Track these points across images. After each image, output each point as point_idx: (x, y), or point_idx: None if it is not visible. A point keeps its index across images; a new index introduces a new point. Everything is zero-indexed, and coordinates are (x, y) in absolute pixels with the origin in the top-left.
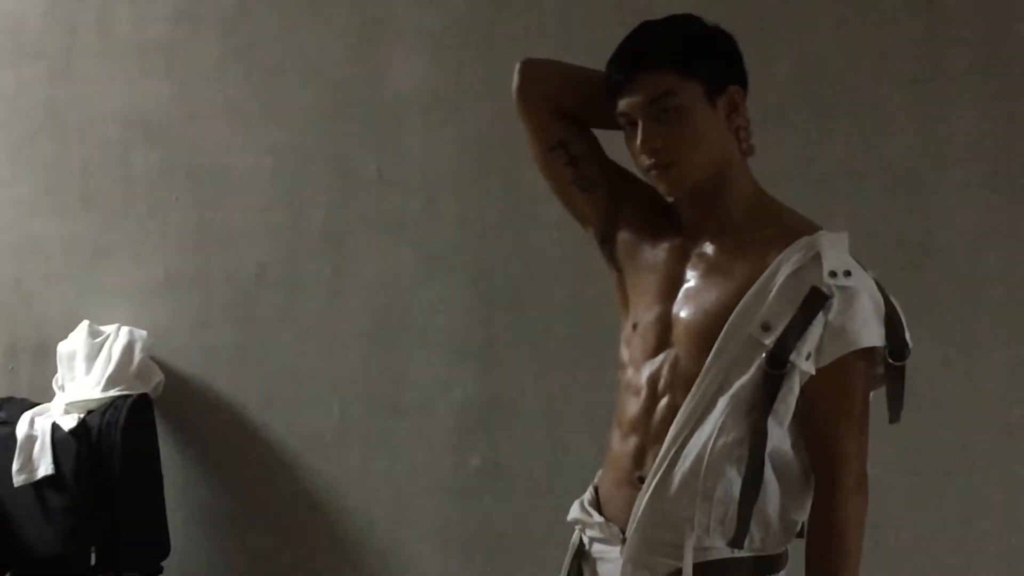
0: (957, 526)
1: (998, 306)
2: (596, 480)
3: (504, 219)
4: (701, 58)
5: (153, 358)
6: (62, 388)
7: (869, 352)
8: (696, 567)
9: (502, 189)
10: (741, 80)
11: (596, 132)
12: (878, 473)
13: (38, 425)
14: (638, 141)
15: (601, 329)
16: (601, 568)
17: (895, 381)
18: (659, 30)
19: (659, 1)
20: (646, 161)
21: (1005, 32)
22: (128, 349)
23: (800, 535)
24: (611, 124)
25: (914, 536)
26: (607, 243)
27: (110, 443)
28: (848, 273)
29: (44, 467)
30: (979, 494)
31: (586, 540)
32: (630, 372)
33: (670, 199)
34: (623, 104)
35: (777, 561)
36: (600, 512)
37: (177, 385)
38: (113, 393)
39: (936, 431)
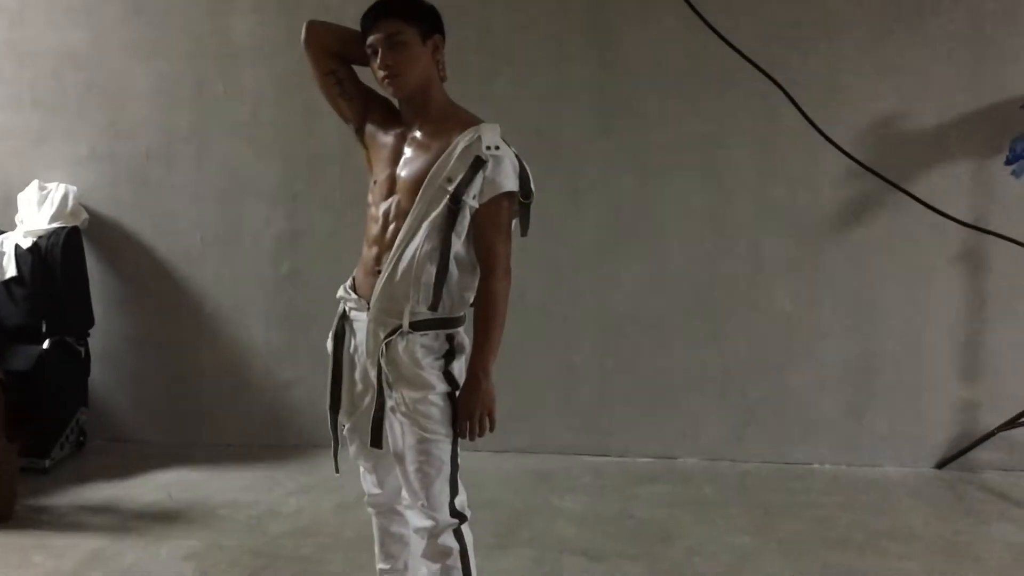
0: (570, 303)
1: (593, 173)
2: (353, 273)
3: (302, 121)
4: (418, 15)
5: (82, 204)
6: (22, 222)
7: (510, 194)
8: (411, 324)
9: (301, 105)
10: (441, 33)
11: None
12: (520, 267)
13: (6, 244)
14: (378, 61)
15: (359, 189)
16: (356, 326)
17: (525, 212)
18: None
19: None
20: (382, 73)
21: (603, 8)
22: (64, 198)
23: (472, 304)
24: (360, 61)
25: (543, 305)
26: (360, 132)
27: (53, 257)
28: (498, 147)
29: (10, 271)
30: (581, 283)
31: (347, 309)
32: (372, 209)
33: (395, 100)
34: (370, 39)
35: (458, 320)
36: (355, 292)
37: (97, 221)
38: (55, 225)
39: (557, 247)
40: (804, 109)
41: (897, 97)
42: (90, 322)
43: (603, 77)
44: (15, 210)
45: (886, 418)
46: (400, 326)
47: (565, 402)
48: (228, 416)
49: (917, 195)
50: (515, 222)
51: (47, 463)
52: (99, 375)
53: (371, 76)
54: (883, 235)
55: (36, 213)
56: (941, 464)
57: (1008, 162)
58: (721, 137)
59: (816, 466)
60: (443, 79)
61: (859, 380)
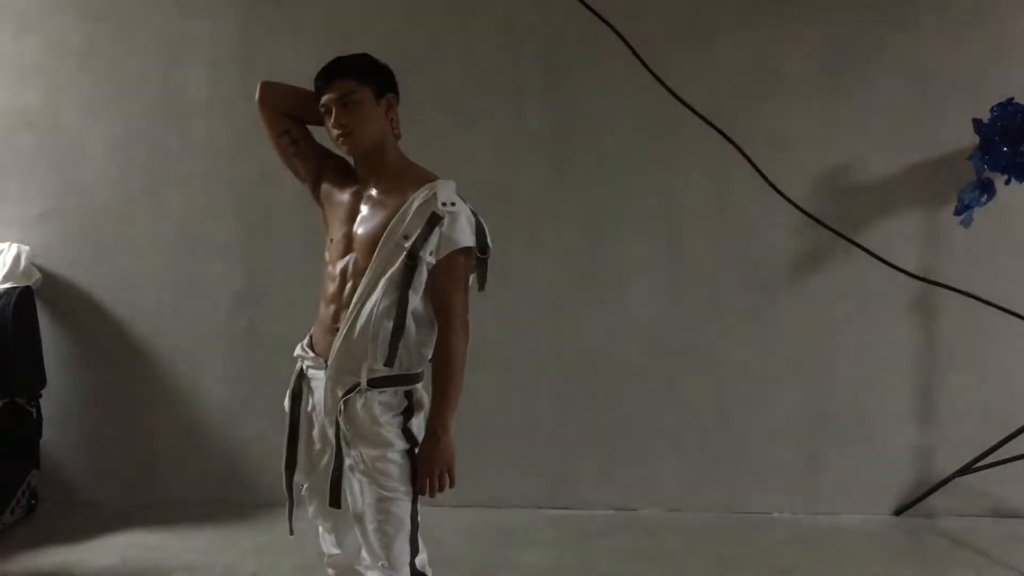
0: (528, 356)
1: (548, 227)
2: (311, 331)
3: (260, 176)
4: (371, 75)
5: (35, 264)
6: None
7: (466, 250)
8: (369, 381)
9: (258, 160)
10: (395, 92)
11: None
12: (474, 326)
13: None
14: (331, 120)
15: (318, 245)
16: (313, 384)
17: (482, 267)
18: (348, 58)
19: (356, 44)
20: (336, 132)
21: (558, 61)
22: (17, 258)
23: (430, 360)
24: (314, 121)
25: (501, 360)
26: (315, 191)
27: (5, 316)
28: (454, 204)
29: None
30: (539, 336)
31: (304, 367)
32: (329, 267)
33: (350, 159)
34: (324, 99)
35: (416, 377)
36: (313, 350)
37: (51, 281)
38: (7, 285)
39: (515, 300)
40: (756, 161)
41: (846, 149)
42: (42, 382)
43: (558, 130)
44: None
45: (843, 465)
46: (358, 384)
47: (525, 455)
48: (185, 475)
49: (868, 246)
50: (472, 277)
51: None
52: (51, 436)
53: (326, 135)
54: (837, 284)
55: None
56: (899, 511)
57: (957, 212)
58: (676, 188)
59: (776, 515)
60: (398, 137)
61: (816, 428)
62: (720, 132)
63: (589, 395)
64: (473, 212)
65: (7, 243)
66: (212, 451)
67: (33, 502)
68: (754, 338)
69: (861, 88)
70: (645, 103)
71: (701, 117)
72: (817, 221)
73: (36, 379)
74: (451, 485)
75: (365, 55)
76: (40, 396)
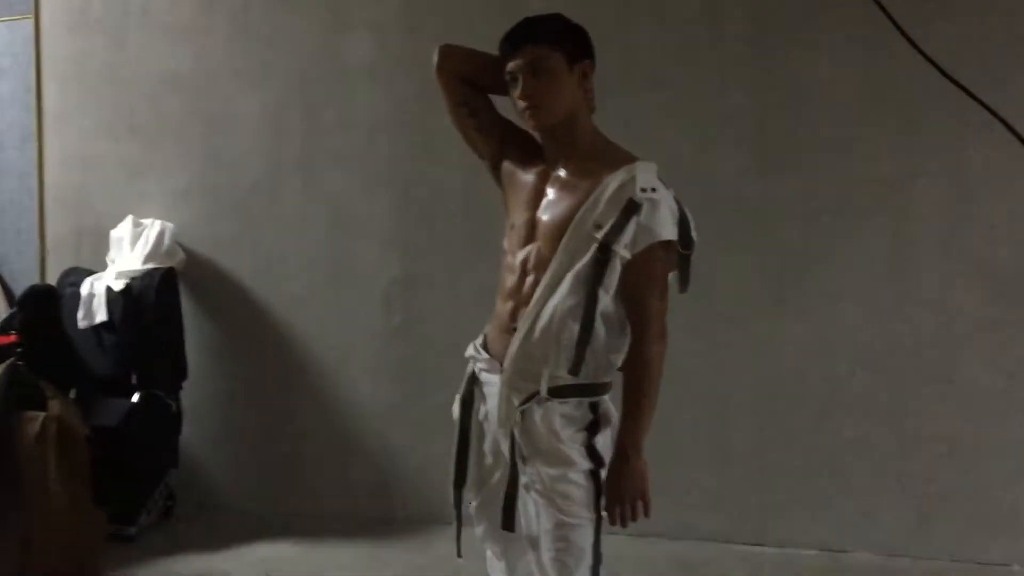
0: (722, 370)
1: (753, 221)
2: (485, 330)
3: (421, 154)
4: (565, 38)
5: (178, 242)
6: (113, 261)
7: (667, 243)
8: (549, 390)
9: (422, 134)
10: (591, 58)
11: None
12: (674, 329)
13: (96, 287)
14: (518, 90)
15: (486, 230)
16: (486, 390)
17: (684, 264)
18: (537, 19)
19: (535, 7)
20: (522, 104)
21: (766, 27)
22: (160, 235)
23: (621, 369)
24: (500, 91)
25: (691, 372)
26: (496, 169)
27: (147, 300)
28: (654, 189)
29: (100, 315)
30: (735, 349)
31: (477, 370)
32: (508, 257)
33: (536, 132)
34: (510, 65)
35: (604, 387)
36: (487, 351)
37: (195, 262)
38: (149, 266)
39: (708, 307)
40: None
41: None
42: (184, 374)
43: (765, 105)
44: (106, 248)
45: None
46: (537, 392)
47: (714, 482)
48: (332, 483)
49: None
50: (672, 275)
51: (133, 530)
52: (191, 433)
53: (509, 106)
54: None
55: (129, 252)
56: None
57: None
58: (905, 178)
59: (1016, 568)
60: (592, 110)
61: None
62: (977, 100)
63: (791, 417)
64: (676, 200)
65: (150, 219)
66: (362, 459)
67: (170, 504)
68: (995, 356)
69: None
70: (870, 80)
71: (969, 93)
72: None
73: (177, 371)
74: (646, 514)
75: (558, 16)
76: (181, 389)
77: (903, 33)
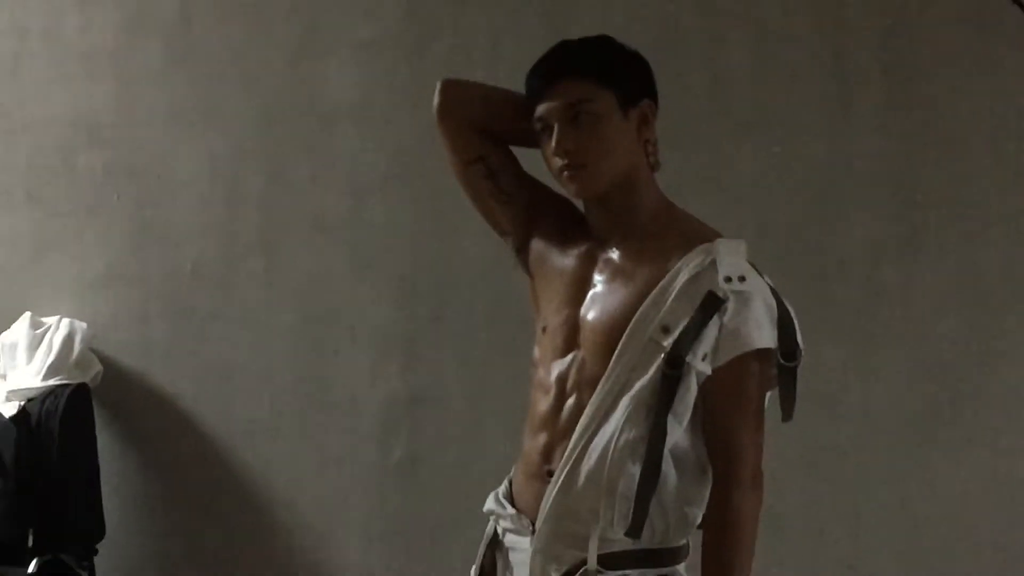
0: (849, 519)
1: (894, 312)
2: (511, 474)
3: (430, 223)
4: (616, 71)
5: (92, 349)
6: (3, 377)
7: (762, 353)
8: (600, 558)
9: (429, 194)
10: (653, 96)
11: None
12: (775, 467)
13: None
14: (553, 143)
15: (518, 331)
16: (513, 557)
17: (787, 381)
18: (578, 45)
19: (584, 23)
20: (559, 162)
21: (908, 55)
22: (68, 340)
23: (700, 528)
24: (527, 142)
25: (809, 528)
26: (522, 251)
27: (49, 430)
28: (743, 278)
29: None
30: (874, 492)
31: (500, 530)
32: (540, 372)
33: (578, 200)
34: (541, 109)
35: (677, 553)
36: (512, 504)
37: (115, 376)
38: (53, 382)
39: (833, 431)
40: None
41: None
42: (99, 532)
43: (909, 152)
44: None
45: None
46: (584, 562)
47: None
48: None
49: None
50: (769, 396)
51: None
52: None
53: (539, 163)
54: None
55: (26, 363)
56: None
57: None
58: None
59: None
60: (654, 168)
61: None
62: None
63: None
64: (774, 292)
65: (55, 318)
66: None
67: None
68: None
69: None
70: None
71: None
72: None
73: (91, 527)
74: None
75: (605, 39)
76: (96, 553)
77: None
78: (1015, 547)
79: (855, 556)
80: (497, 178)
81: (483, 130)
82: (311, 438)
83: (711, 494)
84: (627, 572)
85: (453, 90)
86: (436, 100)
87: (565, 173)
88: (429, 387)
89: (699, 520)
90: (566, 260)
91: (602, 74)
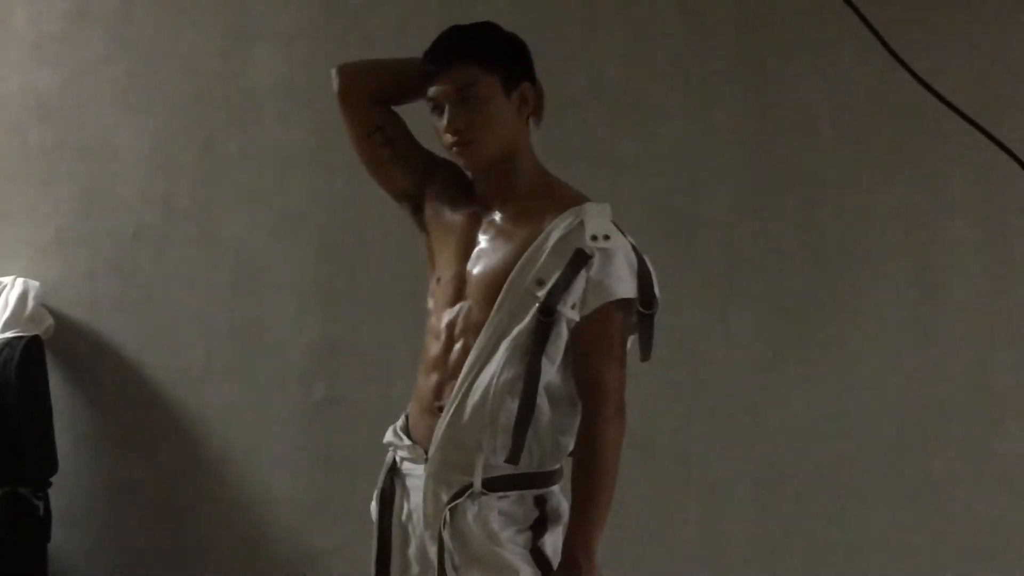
0: (712, 443)
1: (748, 268)
2: (407, 410)
3: (345, 191)
4: (500, 57)
5: (44, 305)
6: None
7: (624, 302)
8: (484, 481)
9: (344, 166)
10: (531, 77)
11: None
12: (648, 399)
13: None
14: (444, 122)
15: (422, 284)
16: (409, 483)
17: (645, 327)
18: (467, 31)
19: (478, 11)
20: (450, 139)
21: (760, 42)
22: (22, 297)
23: (571, 455)
24: (418, 97)
25: (676, 451)
26: (418, 212)
27: (6, 377)
28: (607, 237)
29: None
30: (732, 421)
31: (398, 459)
32: (433, 319)
33: (469, 172)
34: (433, 91)
35: (552, 476)
36: (409, 436)
37: (66, 328)
38: (9, 335)
39: (696, 370)
40: None
41: None
42: (52, 467)
43: (759, 132)
44: None
45: None
46: (470, 485)
47: None
48: None
49: None
50: (631, 340)
51: None
52: (62, 540)
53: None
54: None
55: None
56: None
57: None
58: (932, 213)
59: None
60: (537, 124)
61: None
62: (986, 133)
63: (801, 507)
64: (635, 249)
65: (10, 277)
66: (279, 567)
67: None
68: None
69: None
70: (887, 97)
71: (965, 117)
72: None
73: (45, 462)
74: None
75: (490, 26)
76: (50, 485)
77: (894, 54)
78: (856, 465)
79: (717, 477)
80: (394, 145)
81: (380, 100)
82: (242, 381)
83: (580, 425)
84: (508, 493)
85: (348, 70)
86: (335, 83)
87: (455, 148)
88: (346, 334)
89: (571, 447)
90: (455, 220)
91: (488, 60)
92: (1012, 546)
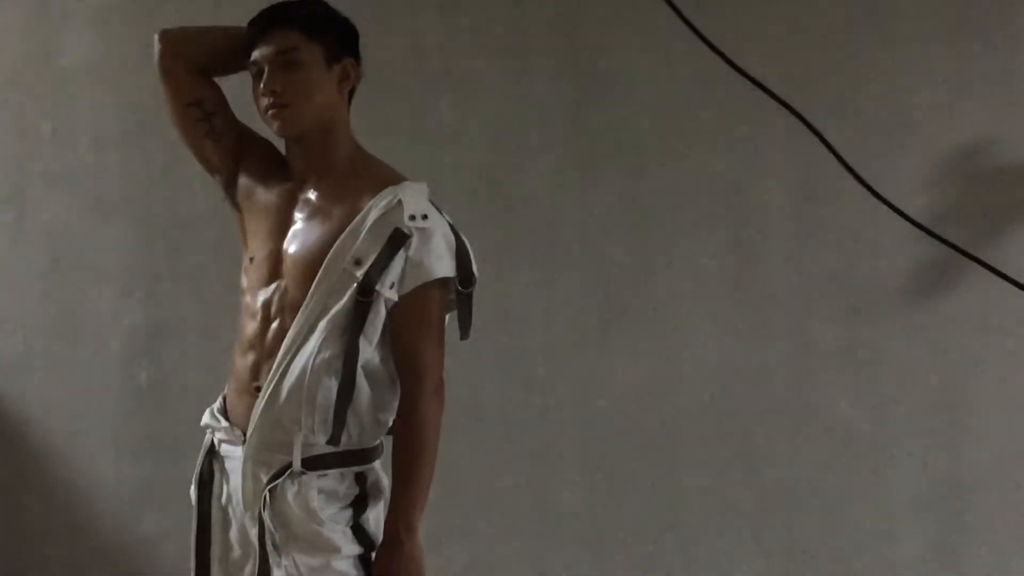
0: (537, 412)
1: (571, 238)
2: (224, 391)
3: (164, 171)
4: (324, 28)
5: None
6: None
7: (442, 281)
8: (304, 460)
9: (162, 146)
10: (355, 56)
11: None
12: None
13: None
14: (262, 84)
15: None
16: (228, 465)
17: (464, 305)
18: (294, 3)
19: None
20: (266, 102)
21: (578, 19)
22: None
23: (391, 432)
24: (238, 68)
25: (502, 420)
26: (230, 187)
27: None
28: (425, 216)
29: None
30: (558, 389)
31: (216, 441)
32: (248, 298)
33: (281, 143)
34: (256, 54)
35: (372, 452)
36: (226, 418)
37: None
38: None
39: (522, 340)
40: (857, 145)
41: (981, 126)
42: None
43: (579, 102)
44: None
45: (987, 561)
46: (289, 465)
47: (539, 553)
48: None
49: (1014, 256)
50: (449, 318)
51: None
52: None
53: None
54: (974, 313)
55: None
56: None
57: None
58: (746, 182)
59: None
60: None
61: (947, 511)
62: (787, 106)
63: (627, 472)
64: (453, 228)
65: None
66: (104, 555)
67: None
68: (858, 386)
69: (1005, 46)
70: (702, 67)
71: (764, 88)
72: (931, 234)
73: None
74: None
75: (320, 1)
76: None
77: (688, 23)
78: (680, 431)
79: (542, 445)
80: (211, 119)
81: (202, 70)
82: (62, 369)
83: (400, 402)
84: (327, 471)
85: (170, 36)
86: (157, 48)
87: (270, 112)
88: (169, 317)
89: (390, 424)
90: (270, 197)
91: (312, 29)
92: (826, 505)
